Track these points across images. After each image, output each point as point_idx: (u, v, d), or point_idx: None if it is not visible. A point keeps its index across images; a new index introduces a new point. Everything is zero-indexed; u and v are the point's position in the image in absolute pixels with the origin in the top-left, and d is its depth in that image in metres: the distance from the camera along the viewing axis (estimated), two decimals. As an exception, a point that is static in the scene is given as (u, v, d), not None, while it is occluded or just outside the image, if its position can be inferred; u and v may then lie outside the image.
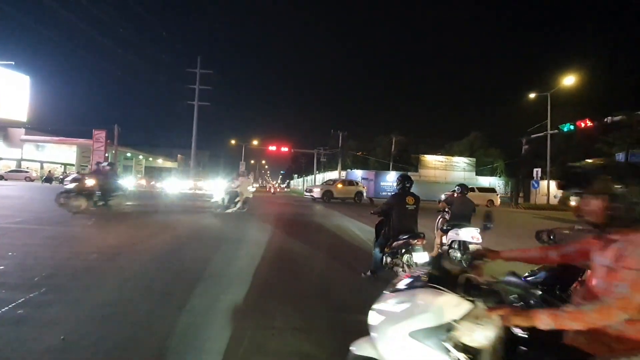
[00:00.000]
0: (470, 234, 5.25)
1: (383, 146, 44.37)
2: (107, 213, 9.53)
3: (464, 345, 1.36)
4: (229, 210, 11.16)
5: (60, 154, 44.11)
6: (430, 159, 41.61)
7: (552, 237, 2.45)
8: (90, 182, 9.37)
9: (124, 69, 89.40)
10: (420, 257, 3.82)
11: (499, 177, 40.02)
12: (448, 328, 1.37)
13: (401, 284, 1.61)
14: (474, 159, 41.86)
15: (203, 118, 31.40)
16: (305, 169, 56.18)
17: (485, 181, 37.51)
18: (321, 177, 41.47)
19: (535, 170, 25.43)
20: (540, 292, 2.29)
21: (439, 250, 5.76)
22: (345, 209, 16.21)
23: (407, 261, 3.97)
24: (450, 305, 1.41)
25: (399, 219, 4.16)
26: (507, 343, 1.36)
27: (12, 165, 37.75)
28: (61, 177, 33.36)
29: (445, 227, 5.86)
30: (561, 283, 2.21)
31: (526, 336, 1.34)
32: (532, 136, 26.88)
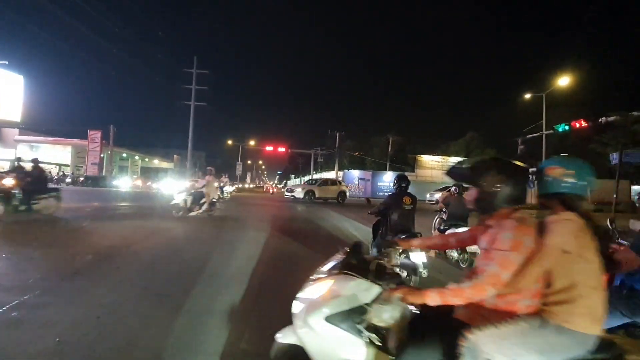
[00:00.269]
0: (467, 234, 5.26)
1: (380, 146, 44.48)
2: (25, 220, 7.72)
3: (375, 326, 1.49)
4: (193, 214, 9.77)
5: (55, 155, 43.76)
6: (427, 159, 41.78)
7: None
8: (8, 182, 7.64)
9: (120, 68, 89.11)
10: (418, 257, 3.83)
11: (495, 177, 40.25)
12: (361, 311, 1.49)
13: (321, 273, 1.73)
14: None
15: (200, 118, 31.26)
16: (302, 169, 56.18)
17: (482, 181, 37.71)
18: (318, 177, 41.44)
19: (530, 170, 25.58)
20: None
21: (437, 250, 5.78)
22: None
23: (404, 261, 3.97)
24: (361, 290, 1.53)
25: (396, 219, 4.17)
26: (412, 321, 1.53)
27: (6, 166, 37.36)
28: (56, 177, 33.08)
29: (442, 227, 5.88)
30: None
31: (419, 312, 1.53)
32: (528, 136, 27.02)
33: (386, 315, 1.48)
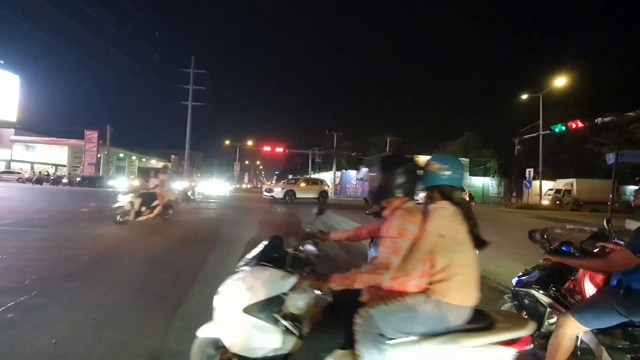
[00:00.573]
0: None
1: (377, 146, 44.52)
2: None
3: (292, 314, 1.58)
4: (141, 218, 8.30)
5: (51, 155, 43.53)
6: (425, 159, 41.57)
7: (545, 237, 2.48)
8: None
9: (117, 68, 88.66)
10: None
11: (492, 177, 40.37)
12: (279, 301, 1.56)
13: (240, 267, 1.77)
14: (468, 159, 42.15)
15: (197, 118, 31.11)
16: (300, 170, 56.13)
17: (479, 181, 37.81)
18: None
19: (527, 170, 25.69)
20: (533, 292, 2.32)
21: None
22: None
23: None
24: (277, 279, 1.59)
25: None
26: (325, 307, 1.63)
27: (1, 166, 37.15)
28: (52, 178, 32.91)
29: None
30: (555, 282, 2.24)
31: (333, 299, 1.65)
32: (525, 137, 27.18)
33: (301, 303, 1.58)
